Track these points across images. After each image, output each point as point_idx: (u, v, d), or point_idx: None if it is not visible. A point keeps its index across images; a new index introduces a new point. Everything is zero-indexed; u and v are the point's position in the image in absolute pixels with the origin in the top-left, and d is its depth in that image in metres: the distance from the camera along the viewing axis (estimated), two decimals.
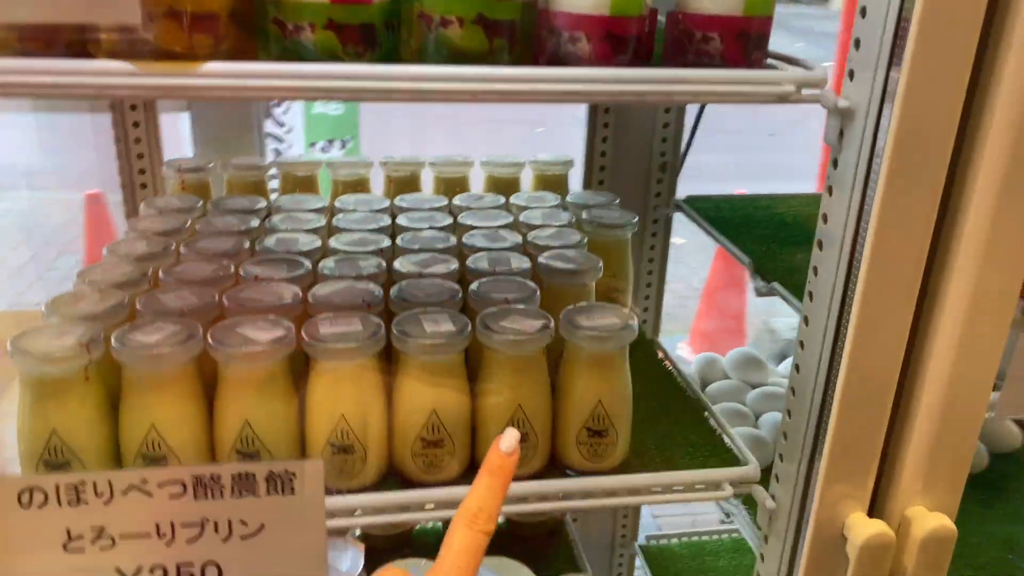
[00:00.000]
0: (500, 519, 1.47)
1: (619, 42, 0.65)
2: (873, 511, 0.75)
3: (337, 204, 1.06)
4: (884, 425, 0.70)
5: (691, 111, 1.35)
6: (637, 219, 1.06)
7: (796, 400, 0.75)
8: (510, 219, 1.03)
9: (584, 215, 1.05)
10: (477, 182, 1.30)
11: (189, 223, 0.97)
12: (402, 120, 4.66)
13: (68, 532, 0.64)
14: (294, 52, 0.62)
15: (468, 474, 0.79)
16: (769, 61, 0.73)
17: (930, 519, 0.71)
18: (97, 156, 1.22)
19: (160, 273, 0.83)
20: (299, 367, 0.74)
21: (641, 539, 1.69)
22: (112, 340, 0.69)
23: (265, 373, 0.72)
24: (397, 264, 0.87)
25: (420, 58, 0.64)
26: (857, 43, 0.65)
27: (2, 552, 0.65)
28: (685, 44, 0.68)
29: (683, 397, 0.95)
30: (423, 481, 0.77)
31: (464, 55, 0.63)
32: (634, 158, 1.34)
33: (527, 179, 1.30)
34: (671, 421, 0.90)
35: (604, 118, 1.31)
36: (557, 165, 1.28)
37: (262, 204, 1.06)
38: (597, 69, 0.63)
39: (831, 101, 0.66)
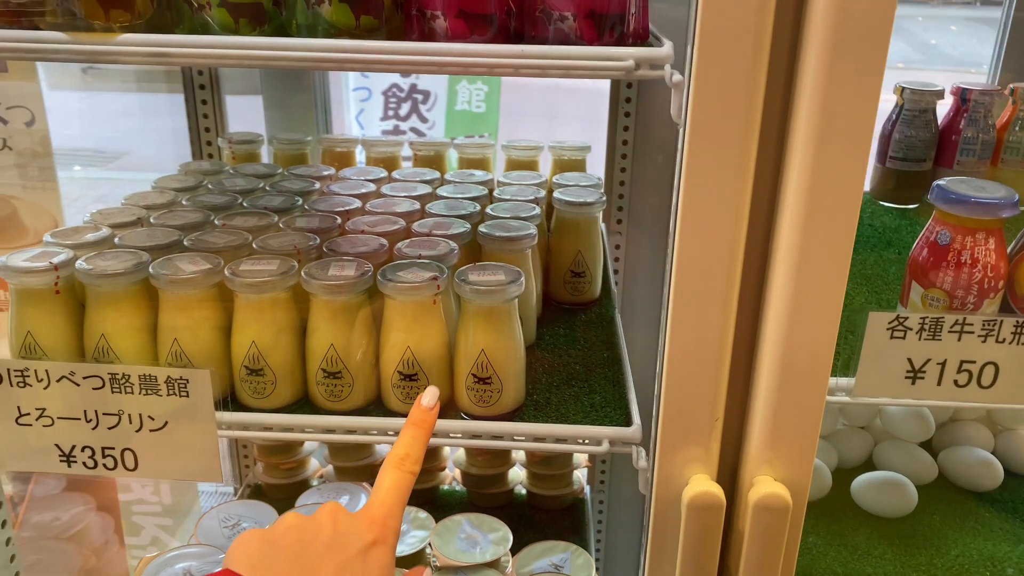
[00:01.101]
0: (522, 491, 1.55)
1: (473, 20, 0.73)
2: (725, 479, 0.77)
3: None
4: (716, 390, 0.73)
5: None
6: (604, 198, 1.11)
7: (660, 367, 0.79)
8: (483, 192, 1.11)
9: (556, 193, 1.12)
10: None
11: (203, 182, 1.13)
12: (539, 119, 4.81)
13: (19, 409, 0.80)
14: (202, 27, 0.75)
15: (370, 407, 0.89)
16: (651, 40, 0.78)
17: (764, 486, 0.73)
18: (173, 131, 1.43)
19: (151, 218, 0.99)
20: (227, 300, 0.87)
21: None
22: (76, 263, 0.85)
23: (194, 299, 0.85)
24: (350, 224, 0.99)
25: (300, 33, 0.75)
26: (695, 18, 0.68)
27: None
28: (545, 24, 0.74)
29: (615, 366, 1.00)
30: (327, 408, 0.88)
31: (336, 30, 0.74)
32: (657, 143, 1.38)
33: (547, 162, 1.38)
34: (585, 383, 0.95)
35: (626, 107, 1.36)
36: (574, 150, 1.35)
37: (278, 171, 1.21)
38: (441, 44, 0.71)
39: (668, 77, 0.70)
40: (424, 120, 3.94)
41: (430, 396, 0.67)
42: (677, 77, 0.69)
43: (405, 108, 3.94)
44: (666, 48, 0.71)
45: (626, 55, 0.71)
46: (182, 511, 1.84)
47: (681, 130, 0.67)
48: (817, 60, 0.62)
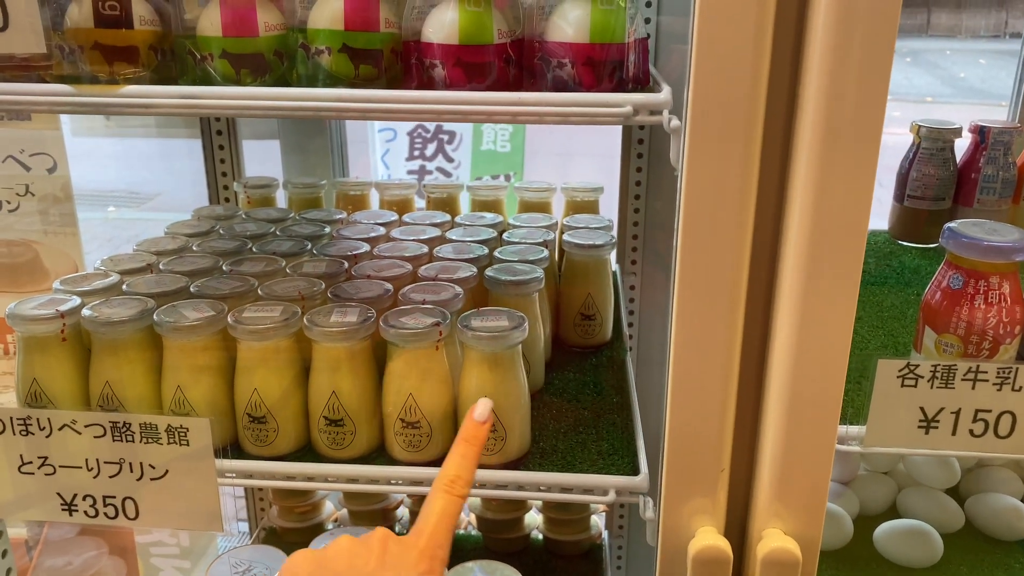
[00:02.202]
0: (539, 536, 1.53)
1: (471, 68, 0.73)
2: (734, 531, 0.75)
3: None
4: (721, 439, 0.71)
5: None
6: (614, 240, 1.10)
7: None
8: (493, 235, 1.11)
9: (565, 236, 1.11)
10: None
11: (216, 227, 1.14)
12: (554, 156, 4.86)
13: (21, 457, 0.80)
14: (204, 78, 0.76)
15: (373, 455, 0.88)
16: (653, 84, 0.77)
17: (773, 540, 0.71)
18: (192, 177, 1.45)
19: (161, 264, 1.00)
20: (231, 347, 0.87)
21: None
22: (83, 310, 0.86)
23: (197, 347, 0.85)
24: (355, 269, 0.99)
25: (301, 83, 0.75)
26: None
27: None
28: (544, 70, 0.74)
29: (624, 412, 0.98)
30: (329, 456, 0.87)
31: (335, 79, 0.74)
32: (671, 183, 1.37)
33: (560, 203, 1.38)
34: (593, 430, 0.93)
35: (638, 148, 1.36)
36: (586, 191, 1.34)
37: (289, 216, 1.21)
38: (439, 92, 0.71)
39: (666, 123, 0.69)
40: (450, 160, 3.97)
41: (482, 408, 0.65)
42: (675, 123, 0.68)
43: (431, 149, 3.97)
44: (664, 94, 0.70)
45: (624, 101, 0.70)
46: (199, 552, 1.83)
47: (679, 176, 0.66)
48: (816, 103, 0.61)
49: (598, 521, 1.52)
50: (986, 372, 0.69)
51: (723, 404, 0.70)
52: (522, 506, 1.44)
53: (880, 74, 0.60)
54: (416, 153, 4.02)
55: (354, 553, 0.60)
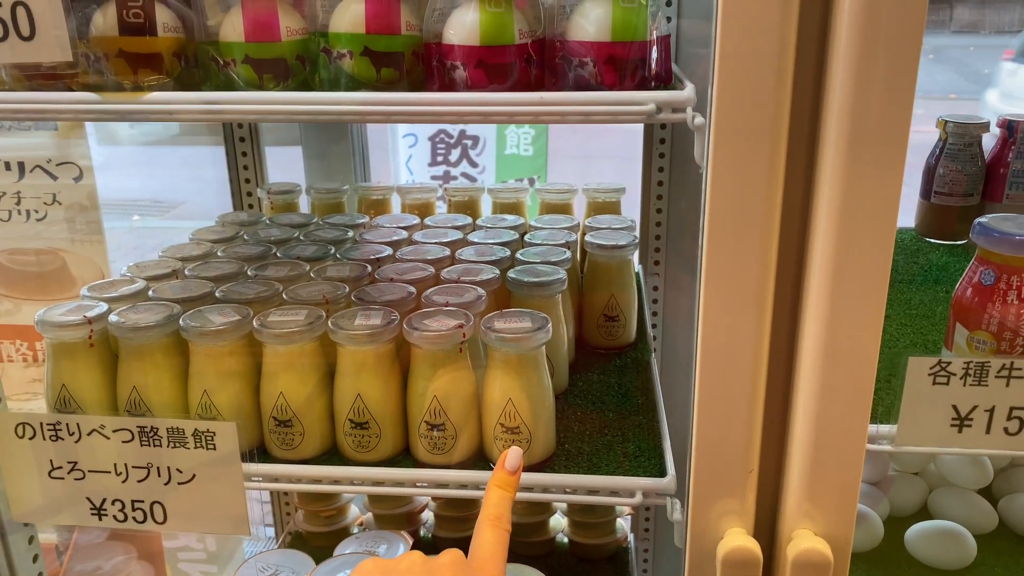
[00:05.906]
0: (564, 539, 1.52)
1: (493, 69, 0.72)
2: (763, 533, 0.74)
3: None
4: (750, 439, 0.70)
5: None
6: (637, 241, 1.10)
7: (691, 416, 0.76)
8: (515, 237, 1.11)
9: (588, 236, 1.11)
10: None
11: (240, 233, 1.14)
12: (575, 160, 4.86)
13: (51, 462, 0.81)
14: (227, 83, 0.76)
15: (399, 458, 0.88)
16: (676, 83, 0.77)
17: (804, 541, 0.70)
18: (216, 184, 1.46)
19: (186, 270, 1.00)
20: (256, 351, 0.87)
21: None
22: (110, 316, 0.86)
23: (224, 351, 0.85)
24: (378, 272, 0.99)
25: (323, 87, 0.76)
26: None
27: (8, 473, 0.83)
28: (565, 69, 0.74)
29: (650, 413, 0.97)
30: (355, 459, 0.87)
31: (357, 83, 0.74)
32: (693, 182, 1.36)
33: (582, 205, 1.37)
34: (619, 432, 0.93)
35: (660, 148, 1.35)
36: (608, 191, 1.34)
37: (312, 221, 1.22)
38: (461, 94, 0.71)
39: (690, 120, 0.69)
40: (474, 165, 3.96)
41: (513, 459, 0.65)
42: (699, 120, 0.68)
43: (455, 154, 3.97)
44: (687, 91, 0.70)
45: (647, 99, 0.70)
46: (225, 556, 1.84)
47: (704, 174, 0.66)
48: (842, 99, 0.60)
49: (624, 524, 1.51)
50: (1020, 369, 0.68)
51: (751, 404, 0.69)
52: (547, 509, 1.44)
53: (907, 69, 0.59)
54: (440, 159, 4.02)
55: (429, 569, 0.59)
